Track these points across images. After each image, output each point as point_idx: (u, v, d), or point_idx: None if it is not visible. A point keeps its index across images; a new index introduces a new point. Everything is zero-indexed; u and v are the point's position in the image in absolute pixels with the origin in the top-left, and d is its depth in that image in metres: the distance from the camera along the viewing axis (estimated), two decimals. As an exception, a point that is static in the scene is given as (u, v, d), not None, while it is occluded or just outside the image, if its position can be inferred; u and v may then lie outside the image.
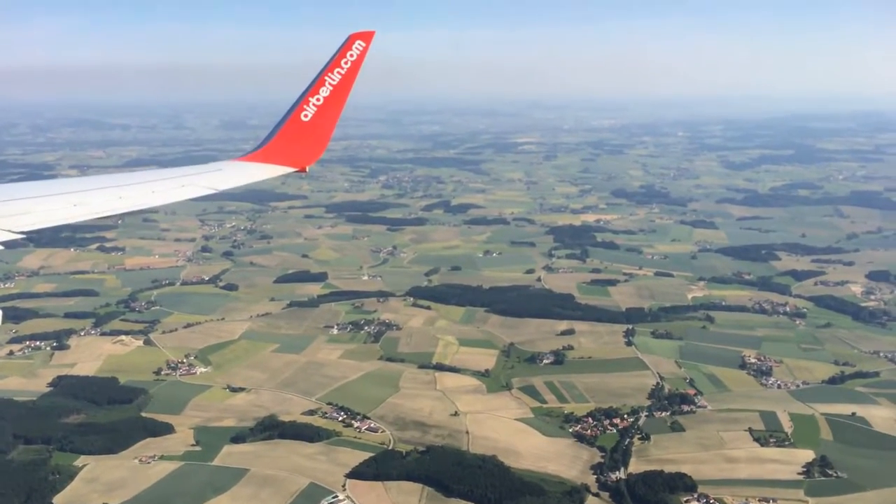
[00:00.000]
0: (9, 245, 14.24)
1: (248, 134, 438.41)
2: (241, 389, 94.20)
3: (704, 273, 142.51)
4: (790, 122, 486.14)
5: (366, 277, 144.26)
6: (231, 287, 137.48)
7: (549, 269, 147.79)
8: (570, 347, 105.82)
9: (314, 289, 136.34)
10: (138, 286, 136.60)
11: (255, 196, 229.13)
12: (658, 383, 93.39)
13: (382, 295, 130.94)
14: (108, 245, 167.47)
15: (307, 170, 25.14)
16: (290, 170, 24.89)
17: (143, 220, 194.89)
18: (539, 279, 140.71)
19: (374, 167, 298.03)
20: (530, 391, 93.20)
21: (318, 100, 24.22)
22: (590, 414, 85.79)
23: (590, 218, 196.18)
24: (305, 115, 24.37)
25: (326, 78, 24.03)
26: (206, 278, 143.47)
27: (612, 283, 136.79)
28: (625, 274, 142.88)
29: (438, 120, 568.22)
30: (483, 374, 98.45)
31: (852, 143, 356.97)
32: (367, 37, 24.01)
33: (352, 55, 23.88)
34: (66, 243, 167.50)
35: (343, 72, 23.96)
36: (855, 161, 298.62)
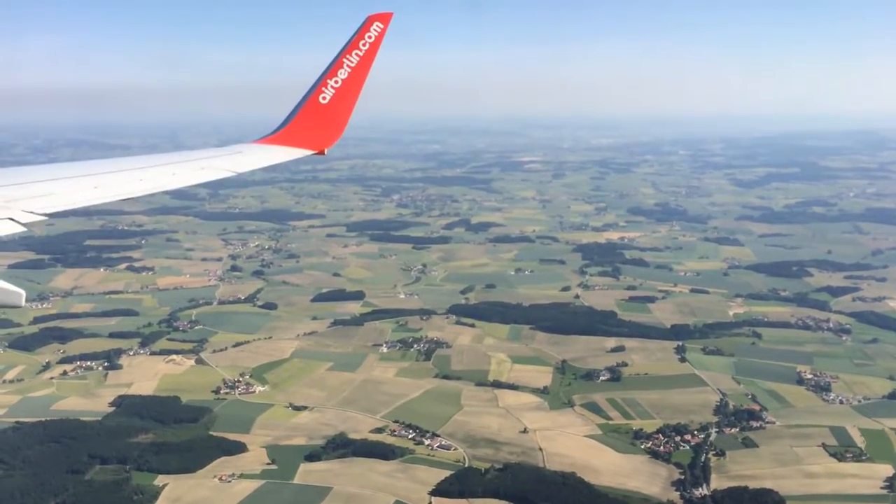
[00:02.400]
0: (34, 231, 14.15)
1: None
2: (304, 408, 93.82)
3: (739, 290, 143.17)
4: (787, 141, 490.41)
5: (402, 296, 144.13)
6: (270, 306, 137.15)
7: (584, 286, 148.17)
8: (625, 364, 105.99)
9: (354, 307, 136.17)
10: (176, 306, 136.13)
11: (273, 215, 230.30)
12: (721, 399, 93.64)
13: (424, 313, 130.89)
14: (136, 265, 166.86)
15: (325, 152, 25.06)
16: (308, 152, 24.84)
17: (166, 240, 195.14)
18: (577, 296, 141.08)
19: (385, 186, 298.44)
20: (593, 408, 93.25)
21: (336, 82, 24.09)
22: (659, 430, 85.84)
23: (613, 235, 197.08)
24: (324, 98, 24.27)
25: (344, 60, 23.92)
26: (243, 297, 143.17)
27: (651, 300, 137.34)
28: (660, 291, 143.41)
29: (436, 139, 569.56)
30: (542, 392, 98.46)
31: (855, 161, 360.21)
32: (385, 18, 23.93)
33: (370, 37, 23.77)
34: (94, 263, 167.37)
35: (361, 54, 23.86)
36: (861, 178, 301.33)
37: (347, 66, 23.97)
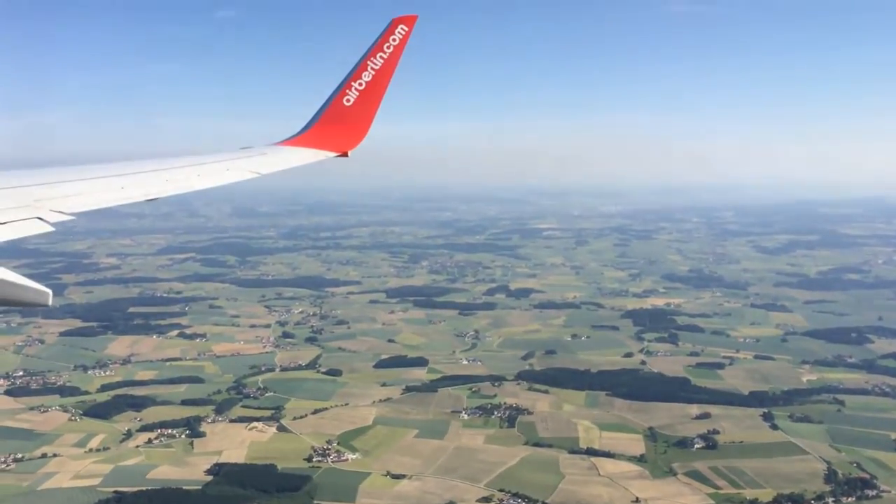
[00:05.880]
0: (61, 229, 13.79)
1: (265, 221, 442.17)
2: (402, 476, 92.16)
3: (804, 356, 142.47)
4: (799, 208, 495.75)
5: (465, 362, 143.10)
6: (334, 372, 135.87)
7: (646, 352, 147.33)
8: (716, 432, 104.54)
9: (420, 374, 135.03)
10: (239, 373, 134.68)
11: (308, 282, 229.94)
12: (828, 468, 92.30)
13: (494, 379, 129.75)
14: (187, 332, 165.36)
15: (349, 154, 25.07)
16: (332, 154, 24.84)
17: (209, 307, 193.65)
18: (643, 363, 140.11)
19: (411, 253, 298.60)
20: (697, 476, 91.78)
21: (360, 84, 24.20)
22: (775, 500, 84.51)
23: (658, 302, 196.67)
24: (347, 100, 24.37)
25: (369, 63, 24.03)
26: (303, 364, 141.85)
27: (719, 366, 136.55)
28: (724, 357, 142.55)
29: (446, 207, 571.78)
30: (639, 460, 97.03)
31: (872, 229, 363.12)
32: (409, 21, 24.05)
33: (394, 40, 23.85)
34: (144, 330, 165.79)
35: (385, 56, 23.95)
36: (885, 246, 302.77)
37: (371, 68, 24.09)
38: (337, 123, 24.83)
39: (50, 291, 10.30)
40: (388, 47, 23.98)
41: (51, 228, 13.32)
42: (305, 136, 25.16)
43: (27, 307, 10.29)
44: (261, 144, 25.94)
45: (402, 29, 24.00)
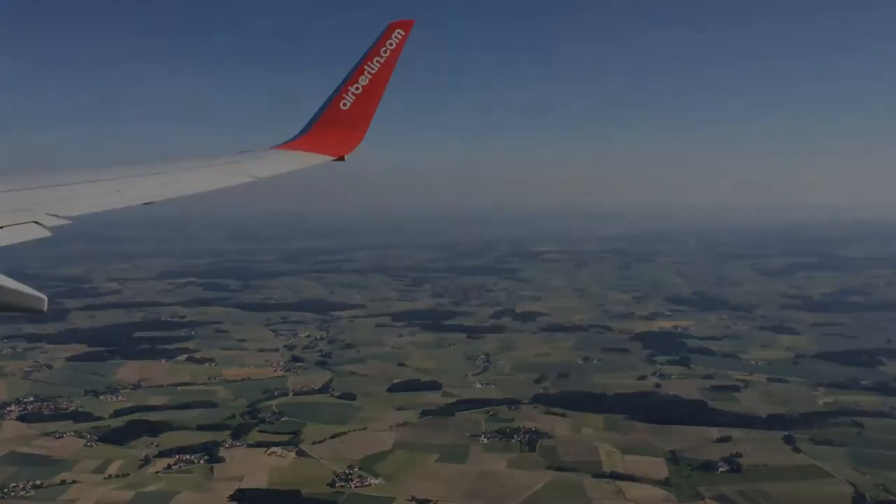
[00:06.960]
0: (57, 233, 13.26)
1: (264, 245, 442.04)
2: (427, 502, 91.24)
3: (817, 379, 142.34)
4: (795, 232, 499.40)
5: (479, 385, 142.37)
6: (348, 396, 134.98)
7: (660, 375, 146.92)
8: (739, 455, 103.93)
9: (434, 398, 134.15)
10: (252, 397, 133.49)
11: (312, 305, 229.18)
12: (854, 490, 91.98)
13: (510, 403, 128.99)
14: (195, 356, 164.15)
15: (346, 158, 25.02)
16: (329, 158, 24.78)
17: (215, 331, 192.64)
18: (658, 385, 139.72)
19: (413, 276, 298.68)
20: (724, 500, 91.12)
21: (357, 88, 24.35)
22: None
23: (665, 325, 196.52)
24: (344, 104, 24.49)
25: (365, 67, 24.19)
26: (316, 388, 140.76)
27: (735, 388, 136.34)
28: (738, 380, 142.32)
29: (441, 229, 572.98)
30: (664, 483, 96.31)
31: (869, 251, 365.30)
32: (406, 26, 24.25)
33: (391, 44, 24.02)
34: (152, 355, 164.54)
35: (382, 60, 24.10)
36: (884, 268, 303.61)
37: (368, 72, 24.23)
38: (334, 127, 24.86)
39: (45, 297, 9.80)
40: (385, 51, 24.13)
41: (48, 234, 12.93)
42: (302, 140, 25.12)
43: (22, 313, 9.85)
44: (257, 148, 25.84)
45: (398, 33, 24.16)
